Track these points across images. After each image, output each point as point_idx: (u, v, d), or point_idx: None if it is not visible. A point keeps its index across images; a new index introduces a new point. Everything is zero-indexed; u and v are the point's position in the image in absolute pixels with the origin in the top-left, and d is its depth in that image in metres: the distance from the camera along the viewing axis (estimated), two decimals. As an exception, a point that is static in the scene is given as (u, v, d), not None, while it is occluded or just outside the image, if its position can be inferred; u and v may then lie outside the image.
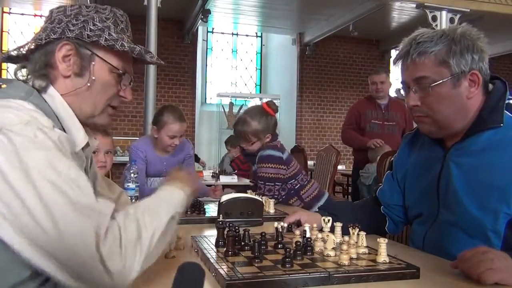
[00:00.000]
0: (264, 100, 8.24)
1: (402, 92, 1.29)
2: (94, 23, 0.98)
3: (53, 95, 0.97)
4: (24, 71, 0.98)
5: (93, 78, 0.99)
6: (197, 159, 5.28)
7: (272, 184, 2.26)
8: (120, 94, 1.06)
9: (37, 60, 0.97)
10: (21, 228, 0.76)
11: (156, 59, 1.09)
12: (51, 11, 1.02)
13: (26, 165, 0.77)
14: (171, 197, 0.98)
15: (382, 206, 1.49)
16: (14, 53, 0.99)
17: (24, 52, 0.98)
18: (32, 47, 0.97)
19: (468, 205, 1.18)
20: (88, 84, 0.99)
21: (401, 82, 1.29)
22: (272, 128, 2.33)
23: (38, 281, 0.83)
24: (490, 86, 1.26)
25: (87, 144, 1.03)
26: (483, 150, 1.19)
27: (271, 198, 2.07)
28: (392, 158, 1.54)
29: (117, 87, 1.04)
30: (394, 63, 1.30)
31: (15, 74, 0.99)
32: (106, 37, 0.97)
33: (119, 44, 0.98)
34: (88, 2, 5.68)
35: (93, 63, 0.99)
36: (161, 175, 2.67)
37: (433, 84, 1.18)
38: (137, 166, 2.38)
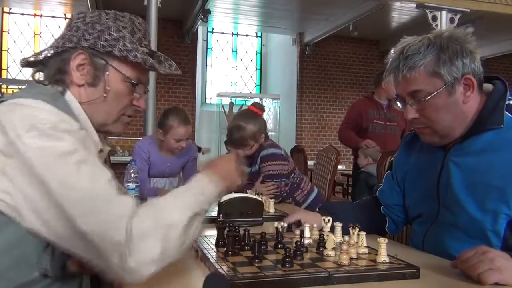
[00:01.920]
0: (264, 100, 8.28)
1: (398, 104, 1.28)
2: (109, 33, 0.98)
3: (70, 100, 0.98)
4: (39, 75, 1.00)
5: (108, 88, 1.00)
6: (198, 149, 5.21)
7: (279, 180, 2.30)
8: (134, 103, 1.06)
9: (53, 66, 0.98)
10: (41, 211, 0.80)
11: (174, 68, 1.09)
12: (72, 18, 1.03)
13: (53, 164, 0.80)
14: (200, 191, 0.95)
15: (382, 206, 1.49)
16: (32, 59, 1.01)
17: (41, 58, 0.99)
18: (49, 54, 0.98)
19: (468, 205, 1.18)
20: (105, 95, 1.00)
21: (396, 95, 1.28)
22: (264, 128, 2.35)
23: (45, 282, 0.85)
24: (489, 86, 1.26)
25: (100, 150, 1.04)
26: (483, 150, 1.19)
27: (277, 194, 2.19)
28: (392, 158, 1.54)
29: (131, 97, 1.05)
30: (385, 76, 1.29)
31: (32, 77, 1.01)
32: (120, 47, 0.97)
33: (132, 55, 0.98)
34: (89, 7, 5.69)
35: (107, 73, 0.99)
36: (164, 175, 2.68)
37: (428, 97, 1.17)
38: (138, 166, 2.38)
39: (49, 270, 0.84)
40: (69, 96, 0.98)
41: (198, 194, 0.93)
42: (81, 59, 0.97)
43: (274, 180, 2.30)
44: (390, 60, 1.25)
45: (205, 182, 0.97)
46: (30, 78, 1.01)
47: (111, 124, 1.05)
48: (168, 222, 0.84)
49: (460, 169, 1.22)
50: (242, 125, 2.26)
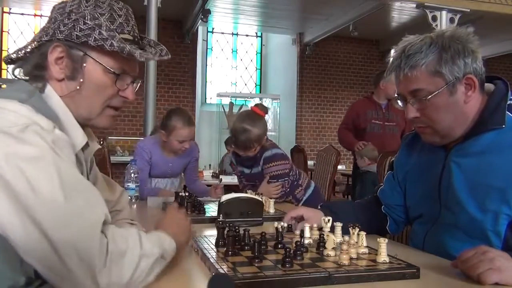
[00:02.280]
0: (264, 100, 8.28)
1: (399, 103, 1.28)
2: (84, 22, 0.93)
3: (49, 96, 0.94)
4: (20, 71, 0.97)
5: (81, 80, 0.95)
6: None
7: (283, 179, 2.33)
8: (121, 94, 1.02)
9: (31, 62, 0.95)
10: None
11: (165, 52, 1.04)
12: (53, 8, 0.98)
13: (22, 171, 0.77)
14: (163, 240, 0.95)
15: (383, 206, 1.49)
16: (14, 55, 0.98)
17: (22, 54, 0.97)
18: (28, 49, 0.95)
19: (469, 206, 1.18)
20: (78, 87, 0.95)
21: (397, 94, 1.28)
22: (267, 129, 2.36)
23: (33, 286, 0.82)
24: (490, 86, 1.25)
25: (87, 145, 1.01)
26: (484, 151, 1.18)
27: (283, 194, 2.27)
28: (393, 159, 1.54)
29: (114, 88, 1.00)
30: (386, 75, 1.29)
31: (12, 74, 0.97)
32: (96, 36, 0.92)
33: (109, 44, 0.92)
34: None
35: (84, 64, 0.95)
36: (166, 176, 2.69)
37: (429, 96, 1.17)
38: (138, 166, 2.39)
39: (33, 274, 0.81)
40: (49, 91, 0.94)
41: (163, 240, 0.95)
42: (59, 52, 0.93)
43: (279, 180, 2.32)
44: (392, 58, 1.25)
45: (164, 235, 0.97)
46: (11, 76, 0.98)
47: (95, 117, 1.00)
48: (143, 251, 0.85)
49: (461, 170, 1.22)
50: (248, 128, 2.23)
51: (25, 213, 0.76)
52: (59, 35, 0.93)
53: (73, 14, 0.93)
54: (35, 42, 0.94)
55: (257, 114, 2.33)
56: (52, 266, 0.77)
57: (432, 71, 1.16)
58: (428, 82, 1.17)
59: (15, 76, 0.97)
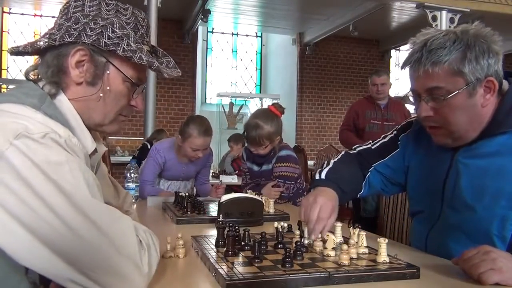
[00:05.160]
0: (264, 100, 8.27)
1: (411, 99, 1.23)
2: (113, 30, 0.91)
3: (61, 100, 0.93)
4: (34, 71, 0.95)
5: (101, 87, 0.94)
6: None
7: (290, 182, 2.34)
8: (131, 103, 1.01)
9: (50, 63, 0.92)
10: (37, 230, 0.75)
11: (172, 65, 1.03)
12: (69, 4, 0.94)
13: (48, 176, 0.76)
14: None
15: (369, 173, 1.43)
16: (22, 48, 0.94)
17: (37, 47, 0.93)
18: (45, 45, 0.92)
19: (475, 208, 1.15)
20: (101, 95, 0.94)
21: (411, 90, 1.21)
22: (280, 130, 2.38)
23: None
24: (505, 83, 1.20)
25: (95, 151, 1.00)
26: (495, 153, 1.15)
27: (285, 195, 2.27)
28: (400, 134, 1.44)
29: (129, 97, 1.00)
30: (403, 67, 1.20)
31: (27, 74, 0.95)
32: (124, 47, 0.91)
33: (137, 57, 0.92)
34: None
35: (107, 72, 0.94)
36: (179, 178, 2.72)
37: (448, 96, 1.11)
38: (149, 166, 2.53)
39: (38, 282, 0.81)
40: (62, 97, 0.93)
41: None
42: (81, 55, 0.91)
43: (286, 182, 2.32)
44: (411, 51, 1.17)
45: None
46: (23, 77, 0.96)
47: (108, 124, 1.00)
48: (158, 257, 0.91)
49: (469, 171, 1.18)
50: (260, 124, 2.27)
51: (75, 210, 0.76)
52: (85, 39, 0.90)
53: (100, 19, 0.91)
54: (56, 41, 0.90)
55: (272, 113, 2.36)
56: (94, 264, 0.77)
57: (454, 69, 1.10)
58: (448, 81, 1.11)
59: (27, 78, 0.94)
